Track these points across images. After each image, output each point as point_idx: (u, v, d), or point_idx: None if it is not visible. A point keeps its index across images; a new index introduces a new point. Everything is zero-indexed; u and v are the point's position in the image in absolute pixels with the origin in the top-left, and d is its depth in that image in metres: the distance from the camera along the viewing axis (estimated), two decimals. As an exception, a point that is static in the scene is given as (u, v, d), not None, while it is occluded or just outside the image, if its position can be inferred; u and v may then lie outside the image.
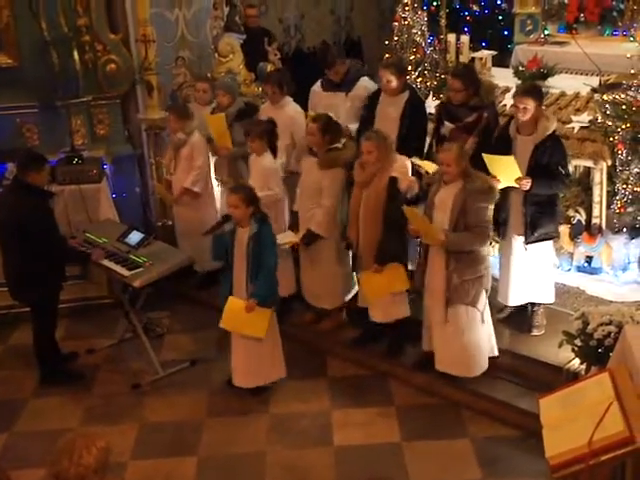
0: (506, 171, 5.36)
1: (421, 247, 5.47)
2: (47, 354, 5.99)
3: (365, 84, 6.57)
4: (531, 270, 5.65)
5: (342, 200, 5.84)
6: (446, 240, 5.12)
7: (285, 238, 6.06)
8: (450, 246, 5.15)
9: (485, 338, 5.40)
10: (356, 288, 6.12)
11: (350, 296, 6.20)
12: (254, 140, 6.12)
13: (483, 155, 5.41)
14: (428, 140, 6.21)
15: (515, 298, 5.78)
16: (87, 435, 3.28)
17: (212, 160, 6.93)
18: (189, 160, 6.75)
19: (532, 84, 5.87)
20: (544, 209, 5.46)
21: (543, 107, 5.81)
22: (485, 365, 5.43)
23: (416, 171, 5.90)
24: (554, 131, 5.46)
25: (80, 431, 5.06)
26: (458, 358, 5.38)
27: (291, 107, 6.62)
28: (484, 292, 5.31)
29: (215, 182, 6.96)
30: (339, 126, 5.94)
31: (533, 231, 5.50)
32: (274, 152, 6.20)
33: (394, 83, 6.12)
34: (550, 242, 5.67)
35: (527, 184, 5.35)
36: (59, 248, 5.77)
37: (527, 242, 5.54)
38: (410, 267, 5.77)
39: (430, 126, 6.27)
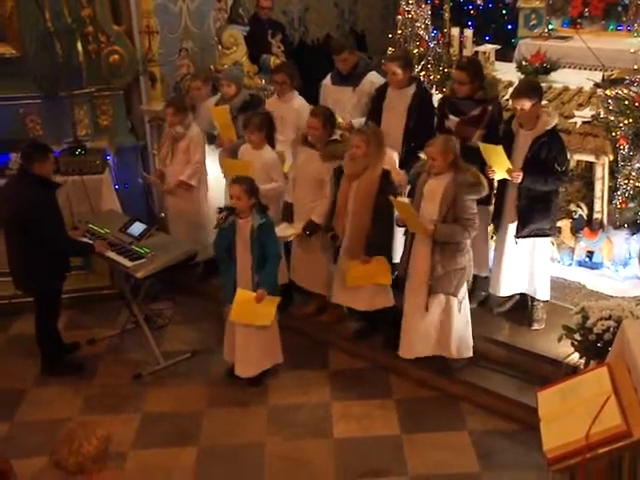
0: (498, 161, 5.41)
1: (407, 236, 5.51)
2: (49, 344, 6.01)
3: (372, 79, 6.51)
4: (524, 263, 5.66)
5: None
6: (435, 230, 5.17)
7: (286, 230, 6.05)
8: (439, 237, 5.20)
9: (463, 326, 5.46)
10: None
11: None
12: (253, 132, 6.11)
13: (479, 144, 5.44)
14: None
15: (508, 288, 5.80)
16: (87, 424, 3.31)
17: (216, 152, 6.94)
18: (187, 153, 6.74)
19: (528, 82, 5.81)
20: (537, 205, 5.46)
21: (545, 102, 5.83)
22: (469, 352, 5.49)
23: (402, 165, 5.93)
24: (554, 127, 5.46)
25: (81, 420, 5.08)
26: (444, 342, 5.45)
27: (297, 101, 6.60)
28: (465, 283, 5.39)
29: (219, 174, 6.97)
30: (335, 118, 5.97)
31: (524, 226, 5.51)
32: (272, 144, 6.23)
33: (400, 76, 6.10)
34: (547, 238, 5.66)
35: (518, 177, 5.38)
36: (63, 239, 5.79)
37: (517, 236, 5.56)
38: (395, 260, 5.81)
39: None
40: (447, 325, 5.42)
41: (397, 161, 5.85)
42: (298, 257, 6.27)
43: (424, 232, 5.23)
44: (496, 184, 5.68)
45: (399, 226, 5.51)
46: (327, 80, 6.72)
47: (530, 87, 5.53)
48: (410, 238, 5.45)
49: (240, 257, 5.49)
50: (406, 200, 5.45)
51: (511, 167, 5.40)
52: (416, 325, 5.46)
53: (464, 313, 5.46)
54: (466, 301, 5.48)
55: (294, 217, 6.13)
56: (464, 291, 5.42)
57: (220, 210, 5.69)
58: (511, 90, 5.76)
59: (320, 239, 6.03)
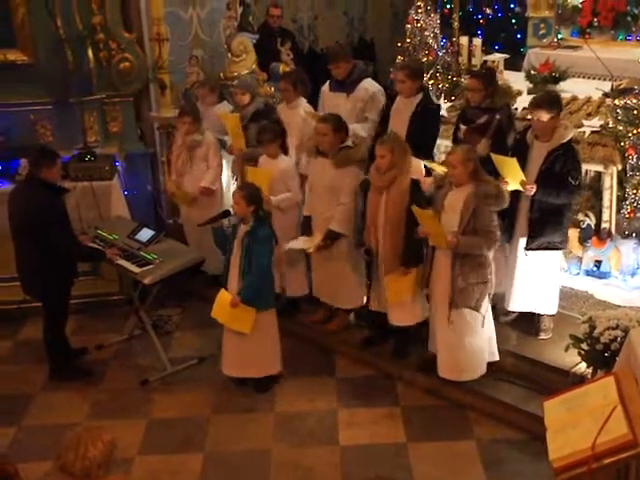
0: (511, 173, 5.38)
1: (428, 249, 5.46)
2: (57, 349, 6.03)
3: (366, 86, 6.52)
4: (534, 278, 5.63)
5: (356, 203, 5.81)
6: (457, 242, 5.13)
7: (303, 243, 6.03)
8: (461, 249, 5.15)
9: (484, 342, 5.40)
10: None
11: (365, 299, 6.14)
12: (269, 146, 6.15)
13: (492, 155, 5.43)
14: (449, 144, 6.17)
15: (517, 304, 5.78)
16: (93, 429, 3.32)
17: (230, 158, 6.98)
18: (205, 160, 6.80)
19: (547, 95, 5.73)
20: (549, 217, 5.43)
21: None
22: (483, 369, 5.44)
23: (428, 172, 5.93)
24: (570, 140, 5.43)
25: (87, 425, 5.10)
26: (458, 361, 5.40)
27: (303, 108, 6.64)
28: (487, 296, 5.31)
29: (231, 180, 7.02)
30: (346, 125, 5.95)
31: (534, 238, 5.48)
32: (284, 151, 6.26)
33: (407, 85, 6.10)
34: (557, 252, 5.63)
35: (532, 189, 5.35)
36: (70, 244, 5.82)
37: (527, 248, 5.54)
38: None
39: (450, 130, 6.26)
40: (467, 342, 5.33)
41: (423, 169, 5.79)
42: (321, 272, 6.22)
43: (446, 244, 5.17)
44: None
45: (418, 237, 5.39)
46: (325, 86, 6.77)
47: (548, 99, 5.48)
48: (432, 251, 5.38)
49: (233, 260, 5.59)
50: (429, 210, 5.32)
51: (524, 179, 5.37)
52: (440, 341, 5.41)
53: (487, 328, 5.40)
54: (489, 315, 5.40)
55: (313, 229, 6.09)
56: (487, 305, 5.33)
57: (221, 212, 5.74)
58: (529, 100, 5.72)
59: (341, 250, 5.97)
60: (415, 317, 5.74)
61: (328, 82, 6.72)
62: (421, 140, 5.99)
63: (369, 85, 6.55)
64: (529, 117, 5.76)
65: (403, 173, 5.50)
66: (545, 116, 5.34)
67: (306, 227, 6.17)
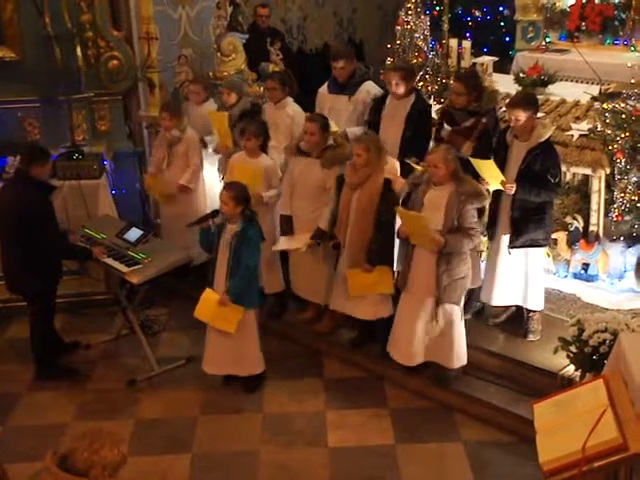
0: (491, 174, 5.44)
1: (408, 247, 5.49)
2: (43, 349, 5.98)
3: (368, 88, 6.53)
4: (517, 274, 5.68)
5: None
6: (445, 241, 5.16)
7: (293, 243, 6.03)
8: (448, 247, 5.19)
9: (463, 334, 5.48)
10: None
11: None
12: (249, 139, 6.12)
13: (470, 159, 5.48)
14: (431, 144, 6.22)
15: (501, 299, 5.81)
16: (115, 435, 3.28)
17: (216, 157, 6.95)
18: (184, 157, 6.77)
19: (524, 95, 5.82)
20: (531, 215, 5.48)
21: (542, 114, 5.86)
22: (465, 359, 5.50)
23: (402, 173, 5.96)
24: (548, 138, 5.49)
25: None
26: (446, 352, 5.46)
27: (291, 108, 6.64)
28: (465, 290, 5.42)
29: (217, 178, 6.99)
30: (329, 124, 5.97)
31: (518, 236, 5.53)
32: (265, 152, 6.23)
33: (402, 87, 6.12)
34: (540, 249, 5.68)
35: (511, 188, 5.41)
36: (59, 241, 5.78)
37: (510, 246, 5.58)
38: (395, 268, 5.78)
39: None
40: (450, 335, 5.40)
41: (398, 169, 5.85)
42: (297, 267, 6.26)
43: (433, 243, 5.20)
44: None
45: (399, 238, 5.48)
46: (323, 88, 6.75)
47: (525, 99, 5.56)
48: (411, 248, 5.43)
49: (220, 260, 5.56)
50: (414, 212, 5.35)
51: (504, 179, 5.43)
52: (416, 334, 5.43)
53: (462, 321, 5.48)
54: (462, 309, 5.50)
55: (295, 228, 6.10)
56: (463, 299, 5.46)
57: (210, 212, 5.71)
58: (507, 101, 5.78)
59: (321, 248, 6.02)
60: (378, 313, 5.81)
61: (326, 84, 6.71)
62: (418, 141, 6.01)
63: (371, 87, 6.56)
64: (506, 118, 5.81)
65: (377, 172, 5.57)
66: (522, 115, 5.40)
67: (286, 227, 6.15)
